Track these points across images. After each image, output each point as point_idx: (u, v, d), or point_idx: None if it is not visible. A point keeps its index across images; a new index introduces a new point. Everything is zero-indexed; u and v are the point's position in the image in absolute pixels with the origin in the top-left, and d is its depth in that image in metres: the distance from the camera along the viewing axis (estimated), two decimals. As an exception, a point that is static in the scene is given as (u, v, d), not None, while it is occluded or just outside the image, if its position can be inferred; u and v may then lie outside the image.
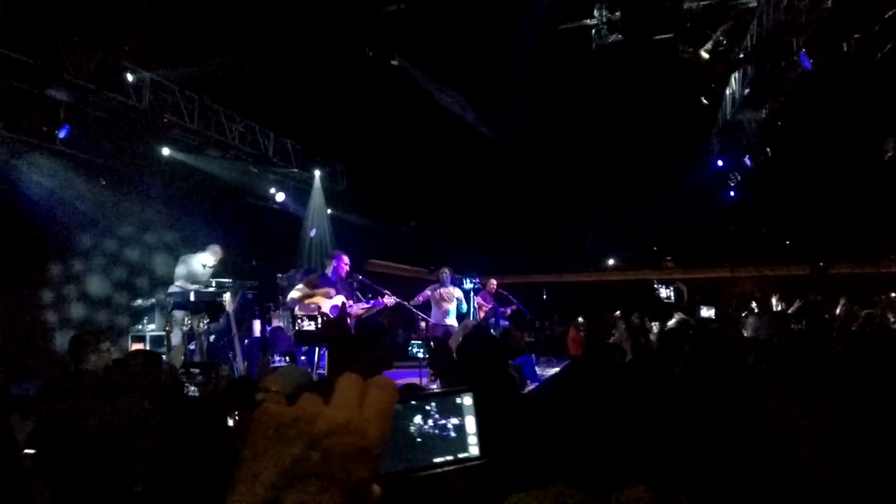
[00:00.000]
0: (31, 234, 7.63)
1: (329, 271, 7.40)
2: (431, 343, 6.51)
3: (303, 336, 6.68)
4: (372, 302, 7.45)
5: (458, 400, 0.70)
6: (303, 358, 7.06)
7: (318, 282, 7.17)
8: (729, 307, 9.80)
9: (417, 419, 0.67)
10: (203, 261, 7.82)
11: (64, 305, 8.25)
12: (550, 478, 1.50)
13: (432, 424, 0.68)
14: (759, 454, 1.48)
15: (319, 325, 6.50)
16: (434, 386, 5.63)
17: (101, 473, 2.55)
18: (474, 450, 0.69)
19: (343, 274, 7.35)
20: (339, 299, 7.12)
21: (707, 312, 7.92)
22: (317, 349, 6.83)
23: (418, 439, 0.67)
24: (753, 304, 10.78)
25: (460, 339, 8.07)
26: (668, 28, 9.05)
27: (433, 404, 0.68)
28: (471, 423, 0.69)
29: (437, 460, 0.67)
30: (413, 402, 0.68)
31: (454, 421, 0.69)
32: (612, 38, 8.96)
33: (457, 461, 0.68)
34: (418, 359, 6.47)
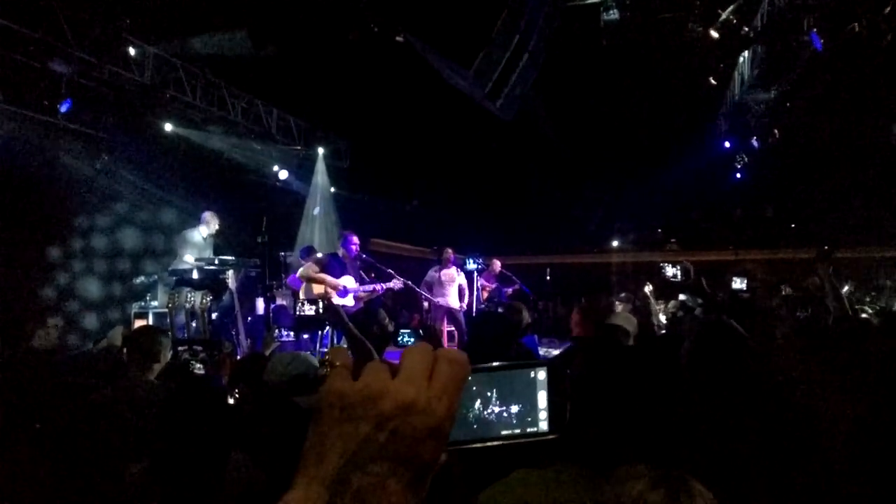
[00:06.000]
0: (32, 208, 7.60)
1: (339, 251, 7.35)
2: (421, 332, 6.59)
3: (303, 321, 6.68)
4: (376, 285, 7.38)
5: (532, 374, 0.68)
6: (305, 336, 7.05)
7: (327, 261, 7.10)
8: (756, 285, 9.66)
9: (477, 405, 0.64)
10: (202, 232, 7.78)
11: (65, 280, 8.25)
12: (552, 456, 1.49)
13: (493, 412, 0.65)
14: (787, 432, 1.46)
15: (320, 310, 6.50)
16: None
17: (104, 449, 2.55)
18: (544, 425, 0.67)
19: (353, 255, 7.30)
20: (348, 280, 7.06)
21: (739, 284, 7.85)
22: (319, 330, 6.84)
23: (480, 420, 0.65)
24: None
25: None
26: (678, 6, 8.90)
27: (494, 391, 0.65)
28: (542, 399, 0.67)
29: (504, 433, 0.65)
30: (474, 388, 0.64)
31: (516, 408, 0.66)
32: (621, 15, 8.81)
33: (525, 435, 0.66)
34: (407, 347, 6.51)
